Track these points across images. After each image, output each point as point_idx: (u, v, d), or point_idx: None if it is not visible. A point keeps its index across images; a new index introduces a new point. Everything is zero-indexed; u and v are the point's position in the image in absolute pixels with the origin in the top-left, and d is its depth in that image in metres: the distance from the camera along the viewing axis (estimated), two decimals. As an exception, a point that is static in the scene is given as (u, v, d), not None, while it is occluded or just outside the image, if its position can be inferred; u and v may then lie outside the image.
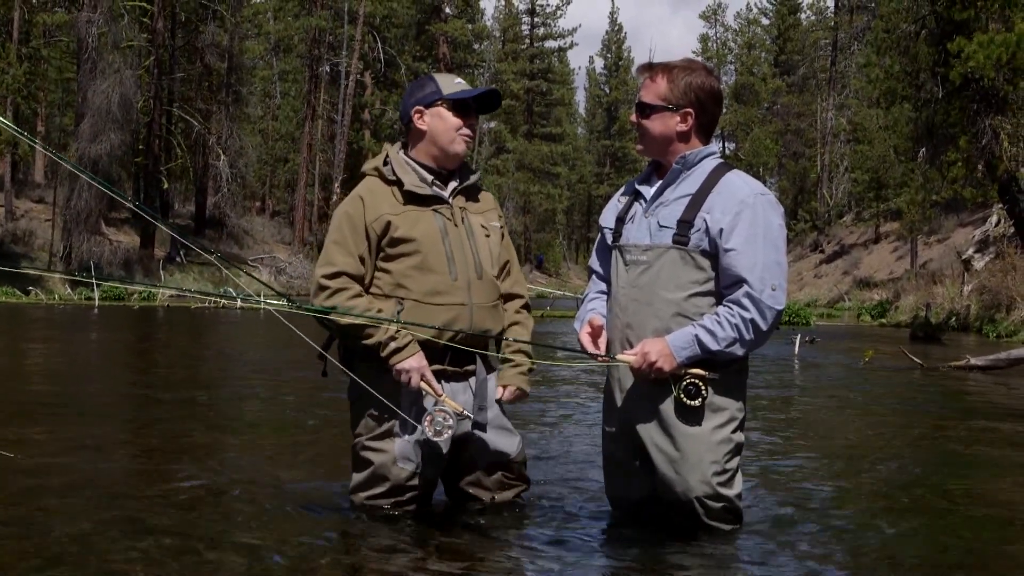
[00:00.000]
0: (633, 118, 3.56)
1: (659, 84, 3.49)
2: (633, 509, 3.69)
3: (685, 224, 3.40)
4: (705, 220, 3.38)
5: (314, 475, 4.61)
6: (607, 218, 3.69)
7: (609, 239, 3.65)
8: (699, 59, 3.69)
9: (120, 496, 4.08)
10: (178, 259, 37.09)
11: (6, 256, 32.20)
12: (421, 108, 3.72)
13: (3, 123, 3.01)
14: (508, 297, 3.87)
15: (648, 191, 3.57)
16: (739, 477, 3.51)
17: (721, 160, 3.55)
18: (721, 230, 3.35)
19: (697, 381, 3.33)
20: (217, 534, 3.52)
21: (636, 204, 3.59)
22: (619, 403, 3.57)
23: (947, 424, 7.13)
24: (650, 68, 3.56)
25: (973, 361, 11.65)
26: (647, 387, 3.45)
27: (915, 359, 12.12)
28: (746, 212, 3.36)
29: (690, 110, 3.48)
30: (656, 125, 3.50)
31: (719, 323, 3.32)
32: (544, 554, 3.40)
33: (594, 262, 3.78)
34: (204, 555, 3.25)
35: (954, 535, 3.85)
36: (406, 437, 3.62)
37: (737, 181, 3.45)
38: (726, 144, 70.50)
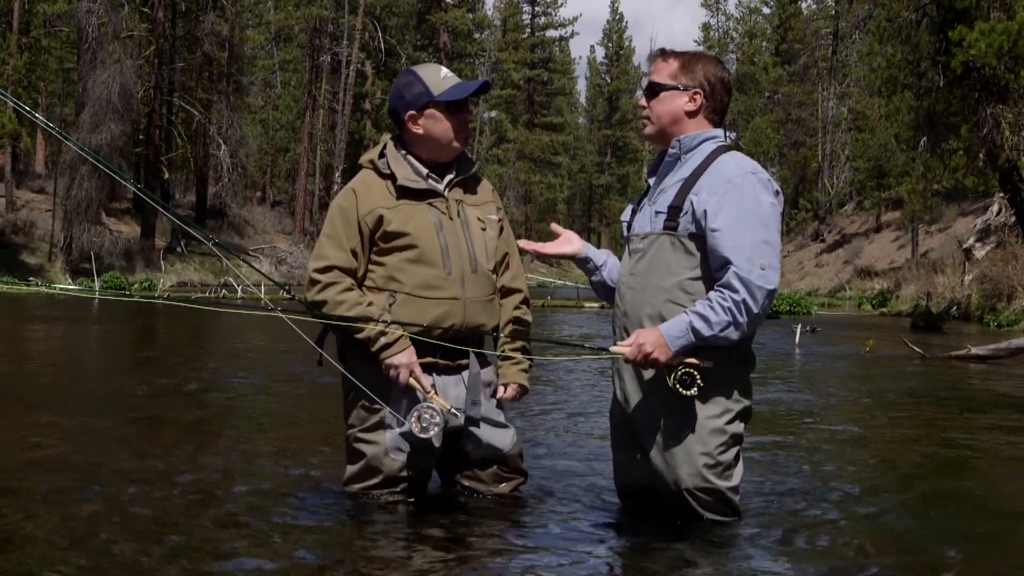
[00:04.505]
0: (642, 102, 3.57)
1: (671, 65, 3.53)
2: (637, 498, 3.68)
3: (675, 209, 3.41)
4: (692, 202, 3.37)
5: (311, 466, 4.60)
6: (626, 212, 3.74)
7: (625, 231, 3.69)
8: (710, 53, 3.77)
9: (119, 489, 4.07)
10: (179, 249, 37.08)
11: (6, 247, 32.20)
12: (414, 112, 3.67)
13: (18, 105, 3.00)
14: (507, 292, 3.84)
15: (653, 179, 3.60)
16: (738, 469, 3.46)
17: (721, 143, 3.52)
18: (706, 211, 3.33)
19: (691, 371, 3.29)
20: (214, 524, 3.52)
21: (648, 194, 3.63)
22: (619, 393, 3.58)
23: (947, 414, 7.13)
24: (663, 52, 3.59)
25: (974, 350, 11.64)
26: (641, 377, 3.46)
27: (916, 348, 12.11)
28: (733, 192, 3.34)
29: (699, 91, 3.50)
30: (664, 105, 3.51)
31: (711, 308, 3.28)
32: (539, 546, 3.38)
33: None
34: (201, 547, 3.25)
35: (953, 526, 3.84)
36: (397, 429, 3.62)
37: (729, 161, 3.43)
38: (727, 133, 70.30)
